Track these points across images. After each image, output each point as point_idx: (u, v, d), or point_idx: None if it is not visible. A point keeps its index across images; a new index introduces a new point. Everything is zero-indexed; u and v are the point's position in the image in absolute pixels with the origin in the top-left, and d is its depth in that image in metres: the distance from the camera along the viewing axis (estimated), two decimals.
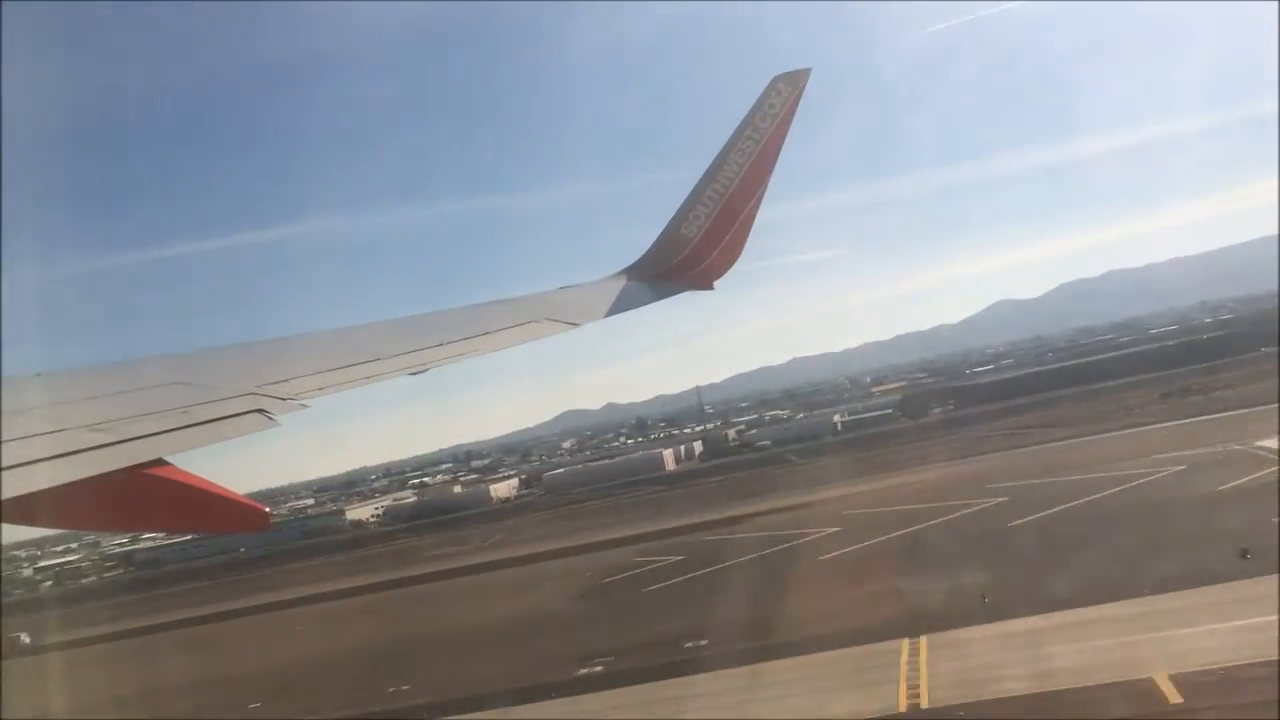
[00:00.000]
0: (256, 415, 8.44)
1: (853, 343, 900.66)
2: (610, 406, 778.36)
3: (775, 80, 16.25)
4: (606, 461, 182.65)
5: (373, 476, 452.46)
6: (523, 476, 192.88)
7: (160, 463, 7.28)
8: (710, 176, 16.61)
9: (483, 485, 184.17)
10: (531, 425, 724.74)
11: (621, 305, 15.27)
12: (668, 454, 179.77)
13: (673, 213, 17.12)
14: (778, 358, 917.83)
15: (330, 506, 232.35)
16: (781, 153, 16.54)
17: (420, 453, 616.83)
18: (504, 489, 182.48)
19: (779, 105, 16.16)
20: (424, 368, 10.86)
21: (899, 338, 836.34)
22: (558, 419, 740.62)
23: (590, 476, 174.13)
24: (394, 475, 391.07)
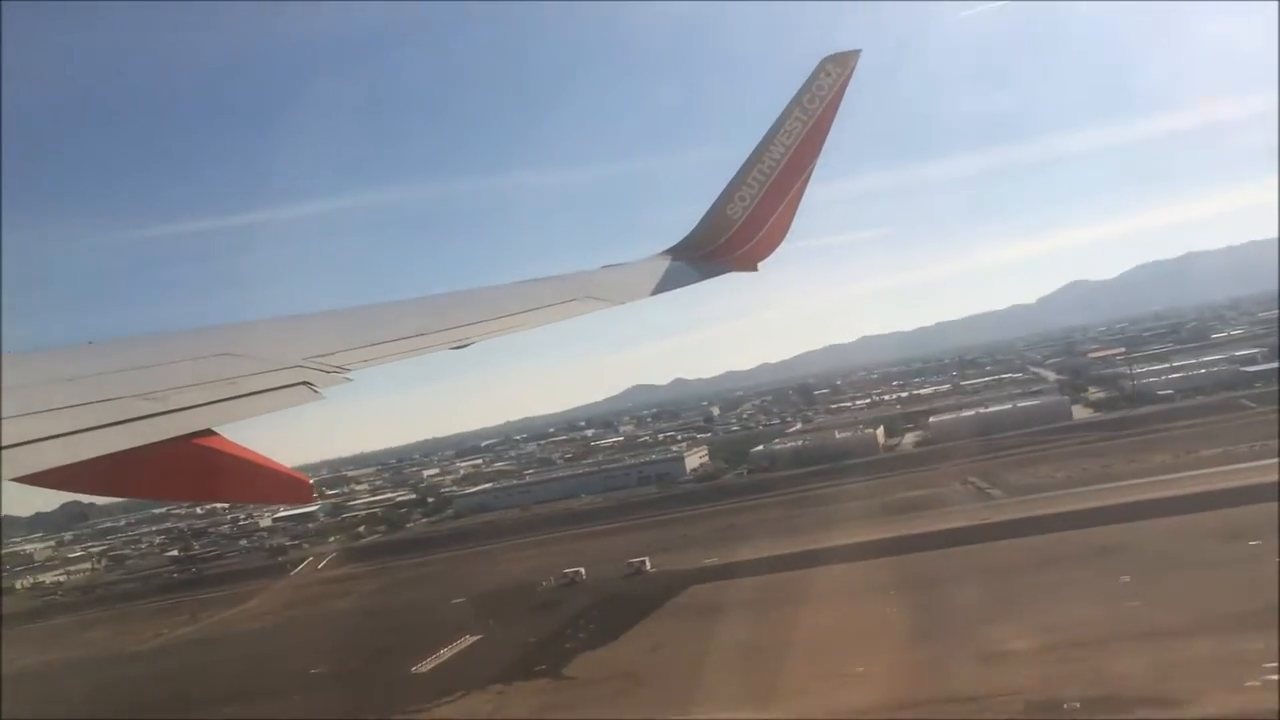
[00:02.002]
0: (302, 387, 8.32)
1: (924, 322, 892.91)
2: (678, 382, 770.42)
3: (824, 61, 15.75)
4: (998, 409, 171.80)
5: (484, 442, 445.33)
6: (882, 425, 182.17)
7: (208, 433, 7.25)
8: (757, 157, 16.15)
9: (866, 431, 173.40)
10: (600, 399, 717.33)
11: (665, 285, 15.00)
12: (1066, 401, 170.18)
13: (718, 191, 16.62)
14: (845, 336, 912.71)
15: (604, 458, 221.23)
16: (830, 133, 15.80)
17: (484, 425, 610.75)
18: (880, 435, 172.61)
19: (827, 87, 15.68)
20: (467, 342, 10.66)
21: (973, 317, 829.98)
22: (626, 393, 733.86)
23: (981, 424, 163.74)
24: (527, 437, 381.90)
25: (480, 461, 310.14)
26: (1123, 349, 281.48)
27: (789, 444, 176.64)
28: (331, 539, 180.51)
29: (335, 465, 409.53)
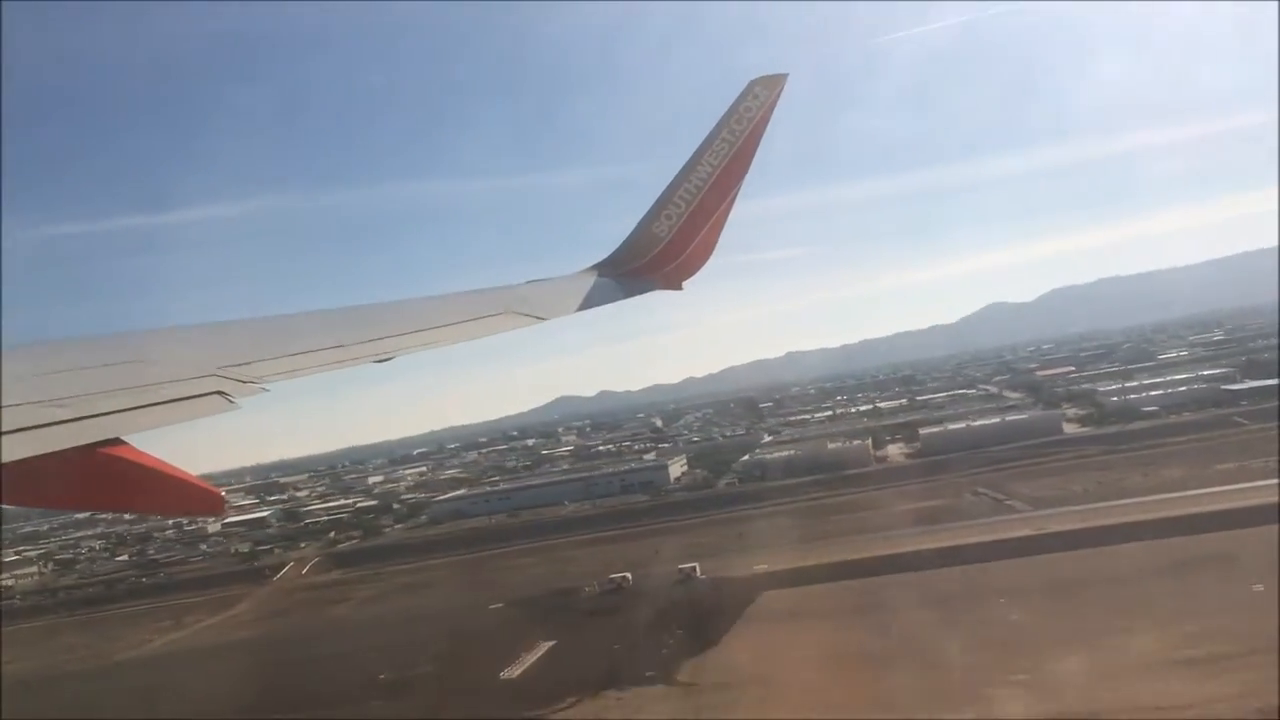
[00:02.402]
0: (216, 397, 8.24)
1: (849, 339, 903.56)
2: (605, 394, 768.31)
3: (752, 83, 15.96)
4: (986, 422, 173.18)
5: (415, 450, 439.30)
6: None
7: (117, 442, 7.11)
8: (684, 176, 16.35)
9: (856, 442, 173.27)
10: (525, 410, 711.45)
11: (590, 301, 14.96)
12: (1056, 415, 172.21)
13: (646, 208, 16.82)
14: (771, 351, 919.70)
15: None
16: (757, 152, 16.18)
17: (407, 434, 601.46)
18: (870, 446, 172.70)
19: (755, 108, 15.95)
20: (389, 356, 10.57)
21: (896, 336, 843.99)
22: (552, 404, 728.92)
23: (972, 437, 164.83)
24: (460, 446, 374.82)
25: (424, 469, 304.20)
26: (1071, 367, 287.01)
27: (779, 454, 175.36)
28: (303, 544, 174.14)
29: (260, 472, 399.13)
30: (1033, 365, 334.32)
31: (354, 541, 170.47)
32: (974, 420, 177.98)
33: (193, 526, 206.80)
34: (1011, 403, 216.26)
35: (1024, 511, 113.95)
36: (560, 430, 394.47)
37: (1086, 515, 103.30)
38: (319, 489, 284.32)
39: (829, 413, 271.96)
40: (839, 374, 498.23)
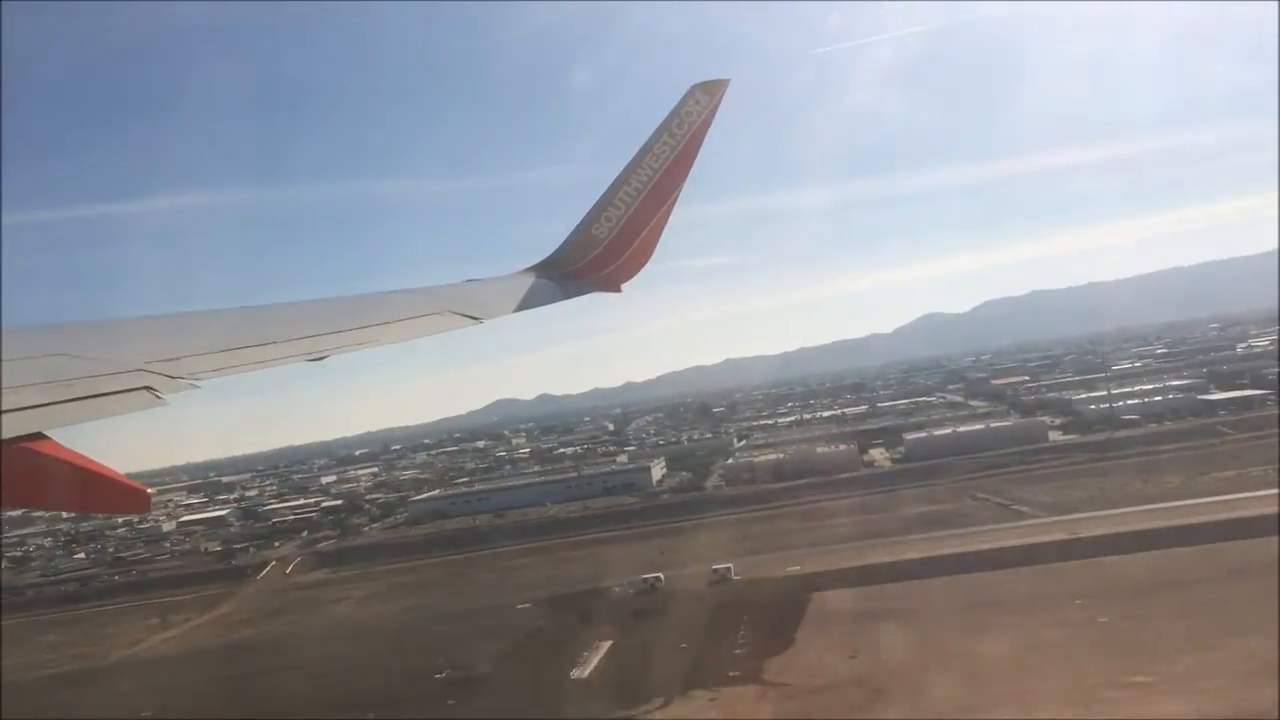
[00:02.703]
0: (144, 393, 8.10)
1: (787, 347, 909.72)
2: (545, 397, 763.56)
3: (693, 89, 16.09)
4: (970, 428, 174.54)
5: (357, 450, 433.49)
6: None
7: (40, 437, 6.98)
8: (624, 180, 16.47)
9: (850, 448, 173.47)
10: (464, 412, 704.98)
11: (529, 302, 15.07)
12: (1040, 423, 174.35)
13: (585, 210, 17.00)
14: (709, 358, 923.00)
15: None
16: (699, 157, 16.45)
17: (342, 435, 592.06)
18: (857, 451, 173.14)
19: (696, 114, 16.09)
20: (323, 355, 10.52)
21: (834, 344, 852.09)
22: (491, 407, 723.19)
23: (958, 443, 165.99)
24: (403, 447, 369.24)
25: (376, 469, 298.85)
26: (1026, 376, 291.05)
27: (766, 457, 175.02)
28: (277, 543, 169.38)
29: (195, 471, 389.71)
30: (983, 374, 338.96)
31: (332, 541, 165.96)
32: (959, 426, 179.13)
33: (146, 525, 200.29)
34: (982, 410, 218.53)
35: (1037, 516, 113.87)
36: (508, 433, 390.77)
37: (1109, 521, 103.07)
38: (269, 488, 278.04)
39: (793, 418, 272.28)
40: (781, 381, 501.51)
